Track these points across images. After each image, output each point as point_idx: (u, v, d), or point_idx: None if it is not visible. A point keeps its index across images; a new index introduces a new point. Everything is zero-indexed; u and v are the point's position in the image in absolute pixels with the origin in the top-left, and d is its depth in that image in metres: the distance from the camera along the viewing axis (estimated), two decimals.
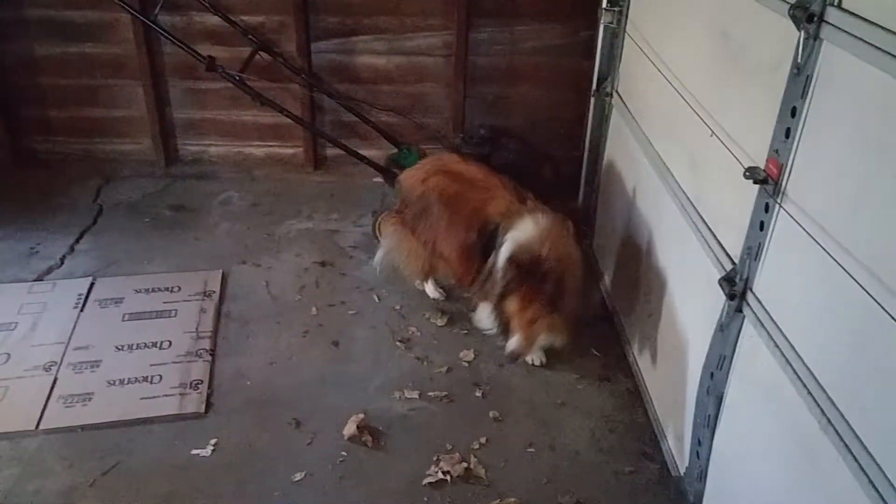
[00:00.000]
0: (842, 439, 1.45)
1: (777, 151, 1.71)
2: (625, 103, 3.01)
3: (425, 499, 2.33)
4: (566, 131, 4.05)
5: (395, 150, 3.93)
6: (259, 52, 3.77)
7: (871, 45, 1.37)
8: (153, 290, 3.22)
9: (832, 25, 1.50)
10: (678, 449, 2.35)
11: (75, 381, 2.72)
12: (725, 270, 1.99)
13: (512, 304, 2.55)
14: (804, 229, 1.62)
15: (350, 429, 2.54)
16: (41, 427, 2.53)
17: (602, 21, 3.13)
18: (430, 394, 2.71)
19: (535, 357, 2.85)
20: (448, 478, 2.38)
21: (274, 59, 3.84)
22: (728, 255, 2.01)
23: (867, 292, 1.39)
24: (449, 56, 3.94)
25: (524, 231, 2.59)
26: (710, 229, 2.14)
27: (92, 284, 3.23)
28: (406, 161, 3.79)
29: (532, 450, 2.51)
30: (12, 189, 3.95)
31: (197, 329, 2.99)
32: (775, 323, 1.74)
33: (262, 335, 2.99)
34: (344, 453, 2.48)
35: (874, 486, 1.35)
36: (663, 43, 2.62)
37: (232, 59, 3.65)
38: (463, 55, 3.92)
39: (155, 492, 2.33)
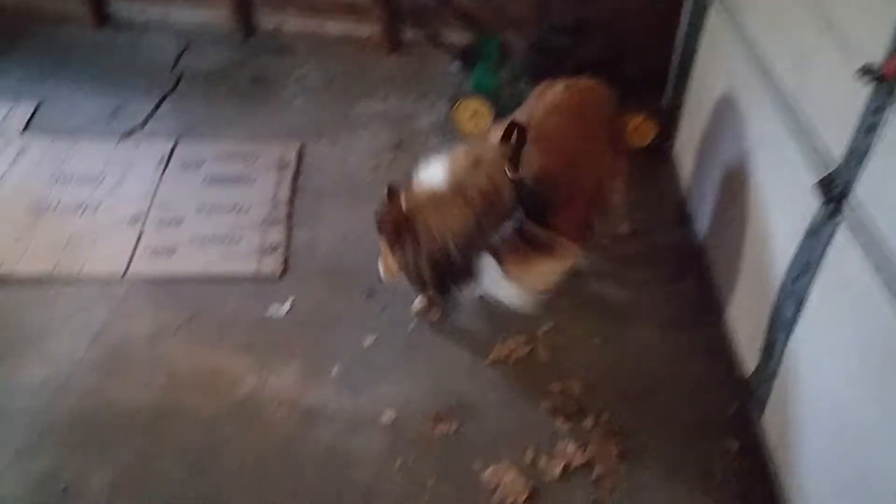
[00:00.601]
0: None
1: None
2: None
3: (490, 373, 2.41)
4: (657, 26, 3.84)
5: (475, 38, 3.83)
6: None
7: None
8: (232, 157, 3.29)
9: None
10: (749, 350, 2.36)
11: (160, 235, 2.84)
12: (822, 174, 1.93)
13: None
14: None
15: (419, 304, 2.61)
16: (129, 275, 2.67)
17: None
18: None
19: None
20: (513, 358, 2.45)
21: None
22: (826, 158, 1.94)
23: None
24: None
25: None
26: (808, 132, 2.06)
27: (174, 146, 3.31)
28: (485, 49, 3.71)
29: (598, 340, 2.55)
30: (95, 50, 4.01)
31: (274, 197, 3.06)
32: (874, 228, 1.70)
33: (336, 209, 3.05)
34: (412, 325, 2.56)
35: None
36: None
37: None
38: None
39: (234, 342, 2.47)
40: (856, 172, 1.80)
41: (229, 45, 4.17)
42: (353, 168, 3.31)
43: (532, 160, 2.22)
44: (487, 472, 2.12)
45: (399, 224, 2.23)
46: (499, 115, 3.49)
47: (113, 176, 3.10)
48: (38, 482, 2.05)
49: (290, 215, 2.99)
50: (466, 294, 2.42)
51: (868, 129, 1.75)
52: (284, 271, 2.73)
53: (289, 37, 4.23)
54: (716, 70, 2.91)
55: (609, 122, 2.54)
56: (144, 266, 2.71)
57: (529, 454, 2.17)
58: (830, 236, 1.89)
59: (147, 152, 3.26)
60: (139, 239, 2.81)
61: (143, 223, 2.88)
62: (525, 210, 2.19)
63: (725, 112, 2.75)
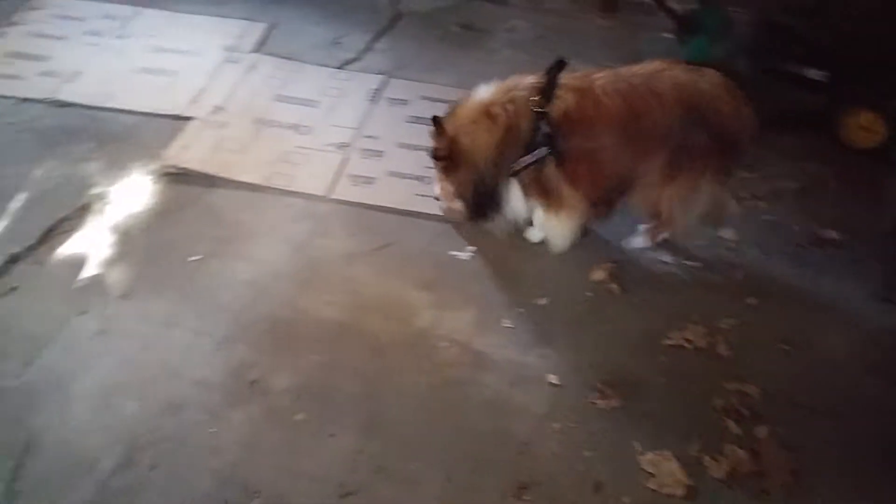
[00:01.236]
0: None
1: None
2: None
3: (662, 357, 2.36)
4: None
5: (697, 8, 3.63)
6: None
7: None
8: (436, 100, 3.37)
9: None
10: None
11: (362, 164, 3.00)
12: None
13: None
14: None
15: (598, 274, 2.58)
16: (331, 196, 2.85)
17: None
18: (687, 262, 2.66)
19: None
20: (689, 346, 2.37)
21: None
22: None
23: None
24: None
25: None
26: None
27: (384, 82, 3.45)
28: (706, 23, 3.51)
29: (784, 346, 2.40)
30: None
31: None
32: None
33: None
34: (589, 293, 2.55)
35: None
36: None
37: None
38: None
39: (418, 275, 2.58)
40: None
41: None
42: None
43: (563, 104, 2.31)
44: (647, 457, 2.08)
45: (445, 148, 2.44)
46: None
47: (327, 102, 3.29)
48: (232, 372, 2.27)
49: None
50: (499, 220, 2.56)
51: None
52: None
53: None
54: None
55: (687, 134, 2.31)
56: (345, 190, 2.88)
57: (694, 448, 2.11)
58: None
59: (359, 84, 3.43)
60: (343, 164, 2.98)
61: (349, 150, 3.05)
62: (548, 147, 2.32)
63: None
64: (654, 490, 2.02)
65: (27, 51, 3.44)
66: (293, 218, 2.77)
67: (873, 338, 2.45)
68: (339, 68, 3.53)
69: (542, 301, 2.52)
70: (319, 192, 2.86)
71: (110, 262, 2.55)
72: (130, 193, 2.80)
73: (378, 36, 3.82)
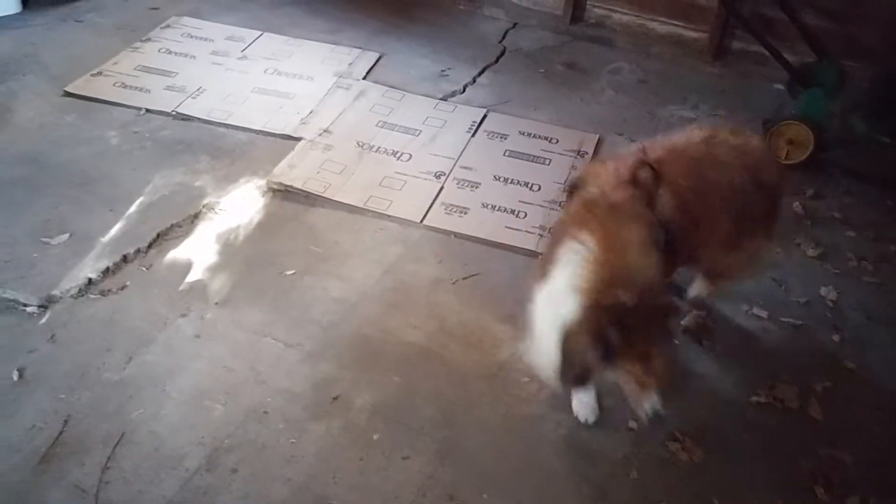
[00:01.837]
0: None
1: None
2: None
3: (749, 414, 2.27)
4: None
5: (813, 61, 3.53)
6: None
7: None
8: (534, 136, 3.41)
9: None
10: None
11: (457, 194, 3.06)
12: None
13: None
14: None
15: (687, 321, 2.52)
16: (424, 223, 2.92)
17: None
18: (782, 319, 2.57)
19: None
20: (779, 405, 2.28)
21: None
22: None
23: None
24: None
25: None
26: None
27: (485, 116, 3.52)
28: (822, 76, 3.40)
29: (883, 413, 2.28)
30: (450, 19, 4.36)
31: (565, 181, 3.13)
32: None
33: None
34: (677, 341, 2.49)
35: None
36: None
37: None
38: None
39: (502, 308, 2.59)
40: None
41: (554, 28, 4.30)
42: None
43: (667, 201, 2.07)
44: None
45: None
46: (820, 147, 3.21)
47: (428, 131, 3.38)
48: (316, 385, 2.33)
49: None
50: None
51: None
52: None
53: (612, 29, 4.25)
54: None
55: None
56: (439, 218, 2.93)
57: None
58: None
59: (461, 116, 3.51)
60: (438, 193, 3.05)
61: (445, 180, 3.12)
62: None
63: None
64: None
65: (157, 66, 3.71)
66: (386, 241, 2.85)
67: None
68: (442, 99, 3.63)
69: None
70: (413, 218, 2.93)
71: (213, 270, 2.69)
72: (238, 206, 2.96)
73: (483, 70, 3.91)
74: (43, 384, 2.26)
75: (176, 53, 3.83)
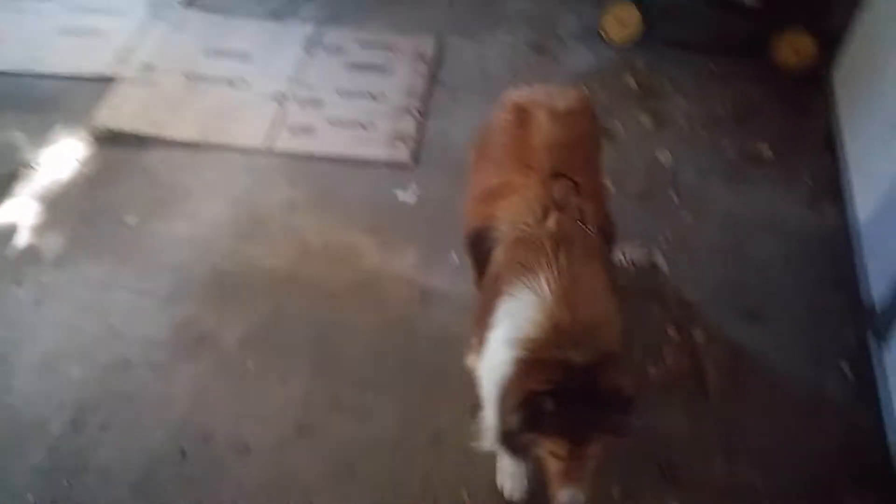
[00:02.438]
0: None
1: None
2: None
3: None
4: None
5: None
6: None
7: None
8: (372, 46, 3.31)
9: None
10: (877, 283, 2.22)
11: (301, 114, 2.94)
12: None
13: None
14: None
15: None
16: (269, 149, 2.80)
17: None
18: (627, 189, 2.69)
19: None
20: (631, 265, 2.41)
21: None
22: None
23: None
24: None
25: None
26: None
27: (319, 30, 3.37)
28: None
29: (718, 255, 2.48)
30: None
31: (409, 88, 3.08)
32: None
33: (471, 106, 3.01)
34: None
35: None
36: None
37: None
38: None
39: (361, 221, 2.56)
40: None
41: None
42: (491, 67, 3.26)
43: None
44: None
45: None
46: (648, 26, 3.31)
47: (259, 56, 3.21)
48: (178, 328, 2.24)
49: (423, 108, 3.00)
50: None
51: None
52: (414, 161, 2.78)
53: None
54: None
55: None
56: (284, 142, 2.83)
57: (636, 355, 2.16)
58: None
59: (293, 34, 3.34)
60: (282, 116, 2.92)
61: (286, 101, 2.99)
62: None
63: None
64: None
65: None
66: (232, 173, 2.72)
67: (803, 242, 2.54)
68: (272, 19, 3.43)
69: None
70: (257, 146, 2.81)
71: (42, 229, 2.49)
72: (60, 159, 2.72)
73: None
74: None
75: None
